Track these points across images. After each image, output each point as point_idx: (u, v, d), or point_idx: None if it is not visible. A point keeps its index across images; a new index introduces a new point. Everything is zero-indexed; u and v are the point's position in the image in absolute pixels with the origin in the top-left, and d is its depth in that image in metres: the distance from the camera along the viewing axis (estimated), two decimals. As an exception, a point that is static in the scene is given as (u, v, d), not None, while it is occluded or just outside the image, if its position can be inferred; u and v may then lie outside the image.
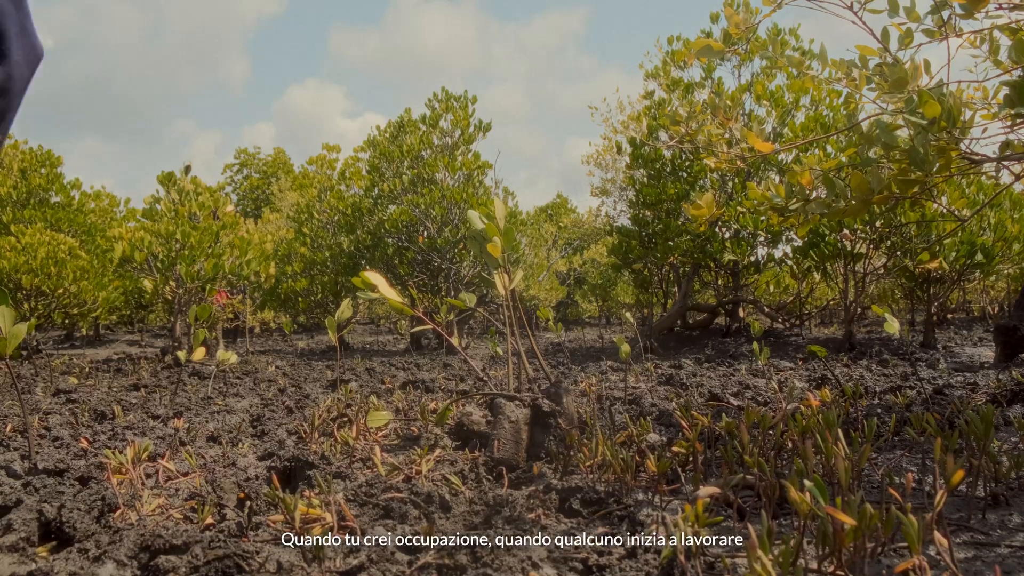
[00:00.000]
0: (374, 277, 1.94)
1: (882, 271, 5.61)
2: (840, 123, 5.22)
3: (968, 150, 1.52)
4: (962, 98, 1.53)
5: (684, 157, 6.14)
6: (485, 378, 2.32)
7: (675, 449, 1.65)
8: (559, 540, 1.25)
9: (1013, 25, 1.50)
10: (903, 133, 1.47)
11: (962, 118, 1.38)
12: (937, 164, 1.47)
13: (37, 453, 1.91)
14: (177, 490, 1.61)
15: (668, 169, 6.32)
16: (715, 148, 1.75)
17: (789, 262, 6.07)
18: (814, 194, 1.72)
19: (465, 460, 1.87)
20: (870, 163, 1.57)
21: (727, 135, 1.76)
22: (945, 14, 1.48)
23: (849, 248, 5.29)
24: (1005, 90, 1.38)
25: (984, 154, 1.56)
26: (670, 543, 0.97)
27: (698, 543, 0.96)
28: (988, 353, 4.73)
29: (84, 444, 1.97)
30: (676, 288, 6.95)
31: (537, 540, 1.24)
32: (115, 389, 3.71)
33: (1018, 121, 1.41)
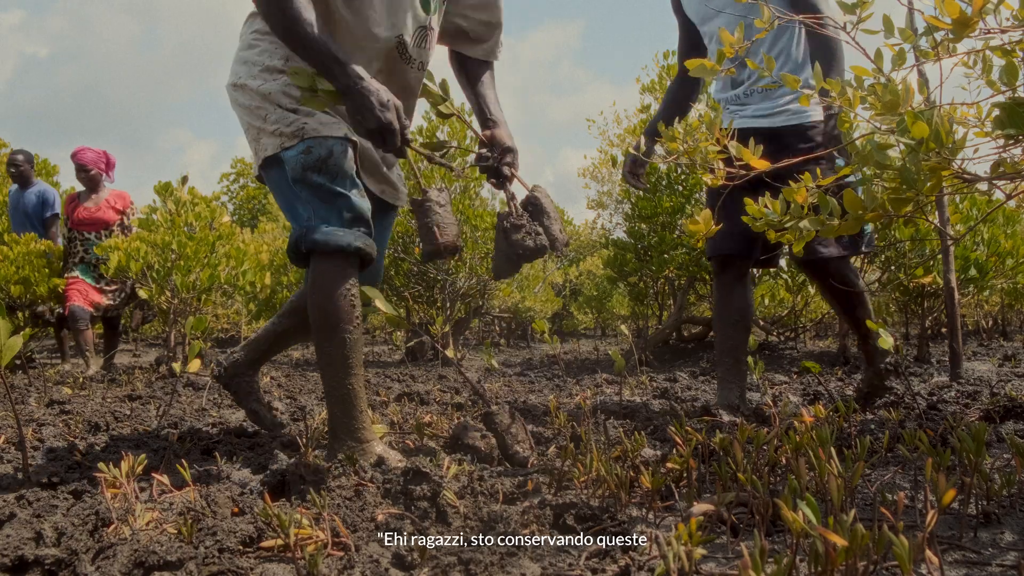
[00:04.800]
0: (371, 291, 1.95)
1: (876, 285, 5.63)
2: (835, 138, 5.25)
3: (960, 169, 1.53)
4: (955, 115, 1.54)
5: (680, 171, 6.17)
6: (481, 391, 2.33)
7: (669, 465, 1.65)
8: (553, 557, 1.26)
9: (1006, 46, 1.51)
10: (896, 152, 1.48)
11: (953, 137, 1.40)
12: (929, 183, 1.48)
13: (30, 465, 1.91)
14: (171, 504, 1.61)
15: (664, 183, 6.34)
16: (712, 165, 1.76)
17: (784, 275, 6.09)
18: (807, 209, 1.73)
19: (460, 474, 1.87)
20: (865, 181, 1.58)
21: (722, 151, 1.77)
22: (938, 35, 1.49)
23: (844, 262, 5.31)
24: (996, 111, 1.39)
25: (976, 173, 1.57)
26: (664, 561, 0.97)
27: (691, 562, 0.96)
28: (983, 367, 4.75)
29: (78, 456, 1.96)
30: (671, 301, 6.96)
31: (531, 557, 1.24)
32: (109, 400, 3.70)
33: (1009, 142, 1.42)
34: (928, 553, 0.97)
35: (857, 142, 1.58)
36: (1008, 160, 1.51)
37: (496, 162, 2.22)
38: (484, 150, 2.25)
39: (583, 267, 13.29)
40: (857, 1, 1.44)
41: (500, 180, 2.24)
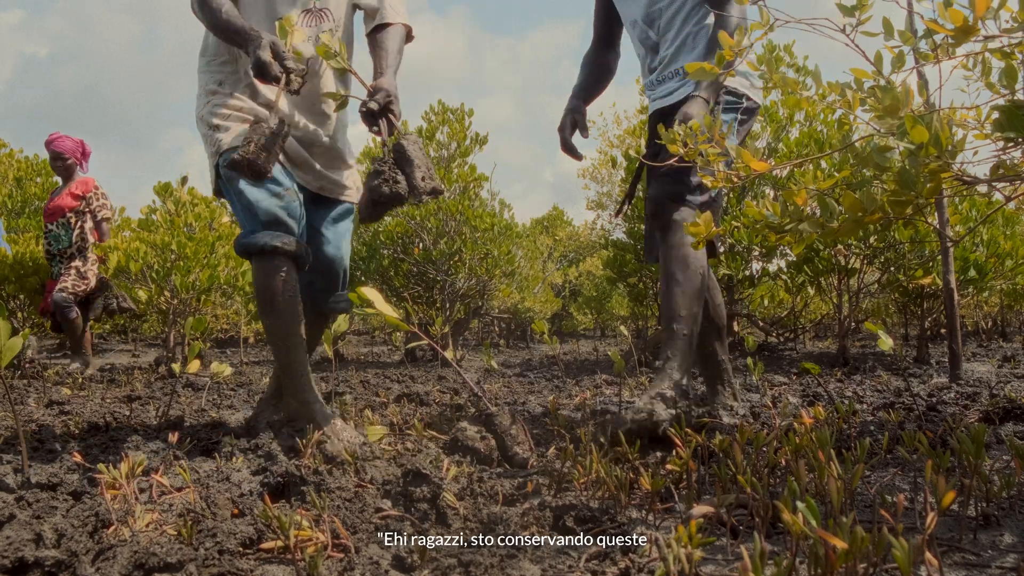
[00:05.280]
0: (370, 292, 1.95)
1: (876, 286, 5.63)
2: (833, 138, 5.26)
3: (960, 171, 1.53)
4: (955, 118, 1.55)
5: (679, 171, 6.16)
6: (480, 393, 2.32)
7: (669, 467, 1.65)
8: (553, 559, 1.26)
9: (1006, 48, 1.51)
10: (896, 154, 1.49)
11: (953, 139, 1.40)
12: (929, 185, 1.48)
13: (30, 467, 1.91)
14: (171, 505, 1.61)
15: (663, 183, 6.33)
16: (712, 167, 1.77)
17: (784, 276, 6.09)
18: (807, 211, 1.74)
19: (460, 476, 1.87)
20: (864, 184, 1.58)
21: (722, 153, 1.77)
22: (938, 37, 1.49)
23: (843, 263, 5.32)
24: (996, 114, 1.39)
25: (976, 175, 1.57)
26: (664, 563, 0.98)
27: (691, 564, 0.97)
28: (982, 368, 4.75)
29: (77, 458, 1.96)
30: (671, 302, 6.96)
31: (531, 559, 1.24)
32: (108, 400, 3.70)
33: (1009, 144, 1.42)
34: (928, 555, 0.97)
35: (857, 144, 1.59)
36: (1007, 162, 1.51)
37: (367, 101, 2.30)
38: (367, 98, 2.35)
39: (583, 268, 13.30)
40: (857, 3, 1.45)
41: (372, 119, 2.31)
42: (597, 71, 3.09)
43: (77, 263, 5.57)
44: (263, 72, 2.11)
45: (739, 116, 2.63)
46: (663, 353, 2.41)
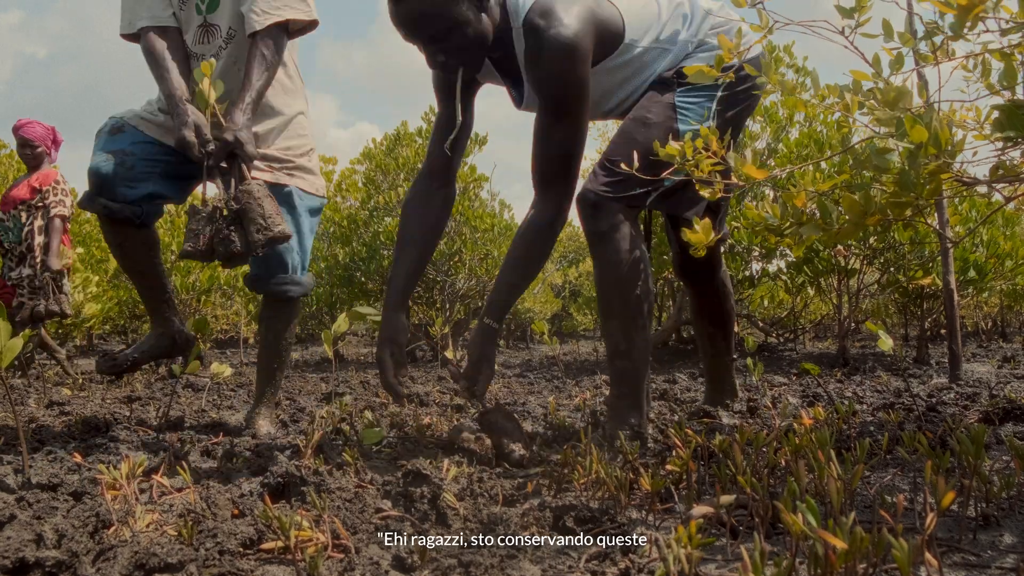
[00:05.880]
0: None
1: (876, 287, 5.64)
2: (833, 139, 5.26)
3: (960, 172, 1.53)
4: (955, 117, 1.55)
5: (679, 172, 6.15)
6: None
7: (668, 467, 1.65)
8: (553, 559, 1.26)
9: (1006, 49, 1.52)
10: (895, 156, 1.49)
11: (952, 139, 1.40)
12: (929, 186, 1.48)
13: (31, 467, 1.91)
14: (171, 506, 1.61)
15: (663, 184, 6.33)
16: (711, 177, 1.76)
17: (783, 277, 6.09)
18: (807, 213, 1.74)
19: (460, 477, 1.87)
20: (864, 186, 1.58)
21: (720, 162, 1.77)
22: (938, 39, 1.50)
23: (843, 264, 5.32)
24: (996, 113, 1.39)
25: (975, 176, 1.58)
26: (664, 564, 0.98)
27: (691, 564, 0.97)
28: (982, 369, 4.75)
29: (78, 458, 1.97)
30: (671, 302, 6.96)
31: (531, 559, 1.25)
32: (109, 401, 3.70)
33: (1008, 144, 1.42)
34: (927, 555, 0.97)
35: (856, 146, 1.59)
36: (1007, 163, 1.52)
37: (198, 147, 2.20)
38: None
39: (583, 268, 13.30)
40: (855, 5, 1.45)
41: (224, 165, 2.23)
42: (427, 237, 2.26)
43: (29, 272, 4.82)
44: (185, 149, 2.19)
45: (718, 94, 2.10)
46: (612, 388, 2.18)
